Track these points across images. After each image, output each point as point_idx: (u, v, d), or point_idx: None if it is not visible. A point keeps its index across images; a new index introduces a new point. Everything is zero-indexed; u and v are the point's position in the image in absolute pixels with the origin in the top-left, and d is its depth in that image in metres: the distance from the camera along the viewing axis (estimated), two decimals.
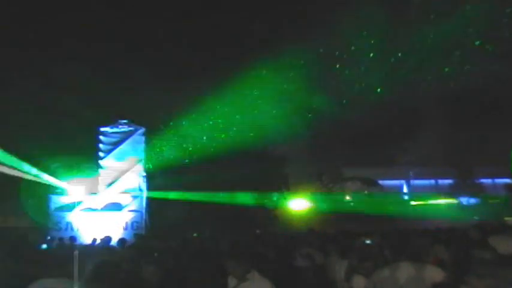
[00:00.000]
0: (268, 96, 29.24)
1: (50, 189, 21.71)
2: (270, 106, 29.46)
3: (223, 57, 28.49)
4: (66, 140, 24.36)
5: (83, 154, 22.70)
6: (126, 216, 20.79)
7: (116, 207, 20.96)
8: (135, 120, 22.40)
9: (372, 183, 37.11)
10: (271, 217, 28.45)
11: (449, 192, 36.33)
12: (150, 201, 21.89)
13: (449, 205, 33.89)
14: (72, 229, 20.18)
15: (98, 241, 15.38)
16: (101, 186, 21.36)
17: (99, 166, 21.51)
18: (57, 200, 21.09)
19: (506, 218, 26.51)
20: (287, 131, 30.04)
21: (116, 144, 21.56)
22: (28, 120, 24.35)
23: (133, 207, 21.02)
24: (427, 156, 35.65)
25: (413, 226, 21.50)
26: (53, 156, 22.70)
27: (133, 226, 20.59)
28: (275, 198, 31.18)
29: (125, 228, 20.44)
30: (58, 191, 21.86)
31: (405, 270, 6.94)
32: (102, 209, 20.88)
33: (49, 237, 18.88)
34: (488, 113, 34.60)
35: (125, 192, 21.28)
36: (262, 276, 6.30)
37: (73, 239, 16.73)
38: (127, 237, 16.60)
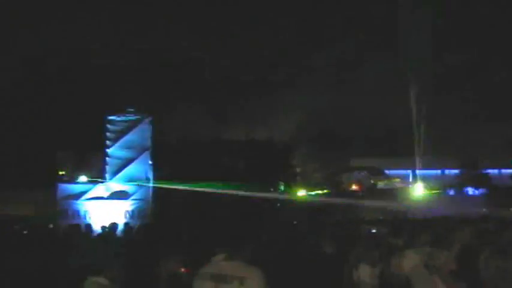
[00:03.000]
0: None
1: (56, 178, 21.79)
2: None
3: None
4: (74, 128, 24.43)
5: (90, 142, 22.76)
6: (132, 205, 20.87)
7: (123, 195, 21.04)
8: (142, 108, 22.41)
9: (378, 172, 37.12)
10: (278, 206, 28.47)
11: (455, 182, 36.30)
12: (156, 190, 21.96)
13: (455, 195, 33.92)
14: (79, 217, 20.27)
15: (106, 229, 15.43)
16: (108, 175, 21.40)
17: (106, 155, 21.53)
18: (64, 188, 21.16)
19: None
20: None
21: (123, 133, 21.56)
22: (35, 109, 24.43)
23: (139, 196, 21.09)
24: (434, 146, 35.60)
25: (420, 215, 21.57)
26: (60, 144, 22.76)
27: (139, 214, 20.66)
28: (282, 188, 31.27)
29: (131, 217, 20.51)
30: (65, 179, 21.94)
31: (411, 259, 6.95)
32: (108, 198, 20.95)
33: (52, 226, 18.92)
34: (494, 103, 34.58)
35: (131, 181, 21.32)
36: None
37: (86, 226, 16.73)
38: (133, 226, 16.69)
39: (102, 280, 5.41)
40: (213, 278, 5.09)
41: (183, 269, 6.43)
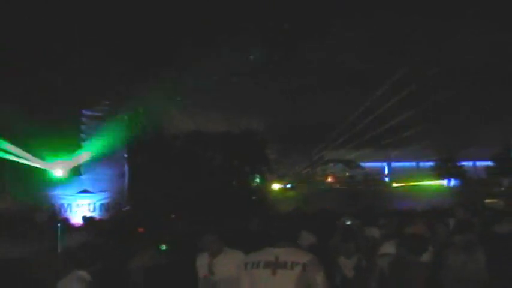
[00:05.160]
0: None
1: (36, 171, 21.62)
2: None
3: None
4: (50, 121, 24.23)
5: (66, 136, 22.58)
6: (107, 198, 20.84)
7: (98, 189, 20.97)
8: (117, 101, 22.31)
9: (354, 165, 37.40)
10: (254, 199, 28.52)
11: (430, 174, 36.67)
12: (132, 183, 21.93)
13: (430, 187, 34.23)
14: (56, 211, 20.16)
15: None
16: (83, 169, 21.29)
17: (81, 148, 21.39)
18: (43, 182, 21.02)
19: (487, 200, 26.82)
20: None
21: (99, 127, 21.44)
22: (12, 102, 24.17)
23: (115, 190, 21.06)
24: (409, 138, 35.88)
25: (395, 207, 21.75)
26: (37, 137, 22.56)
27: (114, 207, 20.63)
28: (257, 180, 31.33)
29: (106, 210, 20.48)
30: (44, 173, 21.79)
31: (386, 251, 7.01)
32: (83, 191, 20.87)
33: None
34: (472, 95, 34.88)
35: (106, 174, 21.25)
36: (233, 249, 6.35)
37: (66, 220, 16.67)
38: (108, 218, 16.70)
39: (84, 274, 5.39)
40: (269, 266, 5.06)
41: None
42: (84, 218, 15.37)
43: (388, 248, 7.04)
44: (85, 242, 6.15)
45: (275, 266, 5.03)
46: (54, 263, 6.99)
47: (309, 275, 4.94)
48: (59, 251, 8.46)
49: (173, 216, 18.29)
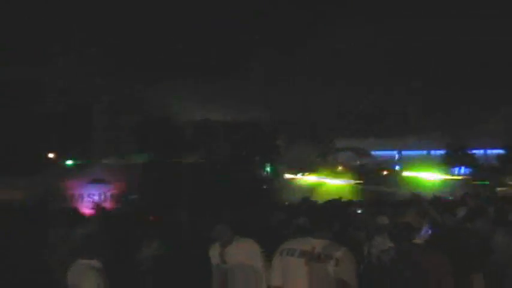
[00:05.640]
0: None
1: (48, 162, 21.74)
2: None
3: None
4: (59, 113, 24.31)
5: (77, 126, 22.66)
6: (118, 188, 20.90)
7: (108, 179, 21.03)
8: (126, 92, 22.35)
9: (364, 153, 37.25)
10: (264, 188, 28.52)
11: (441, 163, 36.49)
12: (142, 173, 21.97)
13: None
14: (67, 200, 20.24)
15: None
16: (95, 159, 21.36)
17: (91, 139, 21.47)
18: (54, 172, 21.12)
19: (498, 189, 26.70)
20: None
21: (109, 117, 21.50)
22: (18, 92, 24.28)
23: (125, 179, 21.11)
24: (420, 126, 35.74)
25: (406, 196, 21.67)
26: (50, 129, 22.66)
27: (125, 198, 20.68)
28: (267, 169, 31.31)
29: (117, 200, 20.54)
30: (55, 163, 21.89)
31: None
32: (94, 181, 20.94)
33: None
34: (481, 84, 34.65)
35: (118, 164, 21.32)
36: (245, 238, 6.34)
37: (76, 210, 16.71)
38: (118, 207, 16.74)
39: (94, 263, 5.37)
40: (303, 255, 5.06)
41: None
42: (94, 207, 15.42)
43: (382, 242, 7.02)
44: (91, 231, 6.12)
45: (310, 256, 5.02)
46: (61, 254, 6.99)
47: (341, 270, 4.90)
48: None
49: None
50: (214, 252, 6.44)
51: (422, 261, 5.18)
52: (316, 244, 5.06)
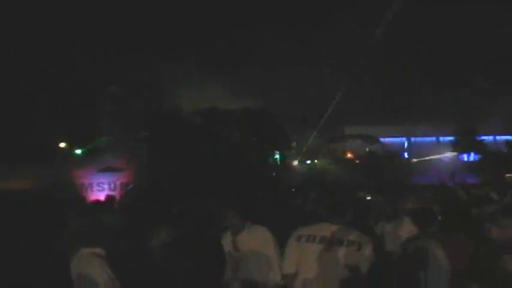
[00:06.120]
0: None
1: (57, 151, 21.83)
2: None
3: None
4: (69, 102, 24.37)
5: (86, 116, 22.74)
6: (127, 177, 20.94)
7: (118, 168, 21.07)
8: (136, 81, 22.39)
9: (373, 140, 37.22)
10: (274, 174, 28.57)
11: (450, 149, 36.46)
12: (152, 162, 22.03)
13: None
14: (76, 190, 20.31)
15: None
16: (104, 148, 21.40)
17: (101, 128, 21.51)
18: (64, 162, 21.21)
19: (506, 175, 26.65)
20: None
21: (119, 106, 21.53)
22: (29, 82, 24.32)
23: (135, 168, 21.15)
24: (429, 113, 35.70)
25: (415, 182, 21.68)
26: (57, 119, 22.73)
27: (135, 187, 20.72)
28: (277, 156, 31.34)
29: (127, 189, 20.58)
30: (65, 152, 21.98)
31: (407, 226, 6.98)
32: (103, 170, 20.97)
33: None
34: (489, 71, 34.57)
35: (126, 153, 21.34)
36: (256, 224, 6.35)
37: (81, 199, 16.78)
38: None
39: (98, 251, 5.38)
40: (324, 241, 5.09)
41: None
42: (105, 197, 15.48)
43: (408, 222, 7.02)
44: (93, 221, 6.13)
45: (331, 242, 5.04)
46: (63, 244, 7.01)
47: (362, 254, 4.97)
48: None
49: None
50: (226, 241, 6.47)
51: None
52: (335, 230, 5.09)
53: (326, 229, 5.13)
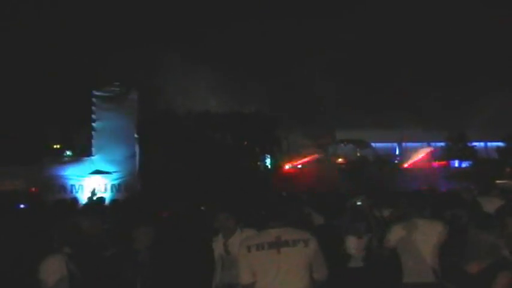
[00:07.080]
0: None
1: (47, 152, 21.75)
2: None
3: None
4: (60, 103, 24.28)
5: (76, 118, 22.64)
6: (118, 179, 20.87)
7: (109, 170, 21.00)
8: (128, 82, 22.29)
9: (364, 145, 37.29)
10: (265, 179, 28.52)
11: (441, 155, 36.52)
12: (143, 164, 21.96)
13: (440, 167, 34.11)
14: (66, 192, 20.22)
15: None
16: (94, 150, 21.29)
17: (92, 129, 21.39)
18: (54, 163, 21.12)
19: (497, 181, 26.70)
20: None
21: (110, 107, 21.40)
22: (21, 84, 24.23)
23: (126, 170, 21.07)
24: (420, 119, 35.81)
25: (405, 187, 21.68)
26: (46, 120, 22.65)
27: (126, 189, 20.65)
28: (268, 160, 31.34)
29: (118, 191, 20.52)
30: (54, 154, 21.90)
31: (397, 231, 6.97)
32: (95, 172, 20.90)
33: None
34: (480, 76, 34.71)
35: (117, 155, 21.25)
36: (248, 228, 6.39)
37: (75, 200, 16.70)
38: (119, 199, 16.69)
39: (64, 250, 5.39)
40: (273, 246, 5.20)
41: None
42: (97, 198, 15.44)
43: (399, 228, 7.01)
44: (64, 223, 6.09)
45: (278, 245, 5.18)
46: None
47: (310, 250, 5.20)
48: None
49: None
50: (217, 242, 6.49)
51: None
52: (278, 233, 5.25)
53: (270, 234, 5.28)
